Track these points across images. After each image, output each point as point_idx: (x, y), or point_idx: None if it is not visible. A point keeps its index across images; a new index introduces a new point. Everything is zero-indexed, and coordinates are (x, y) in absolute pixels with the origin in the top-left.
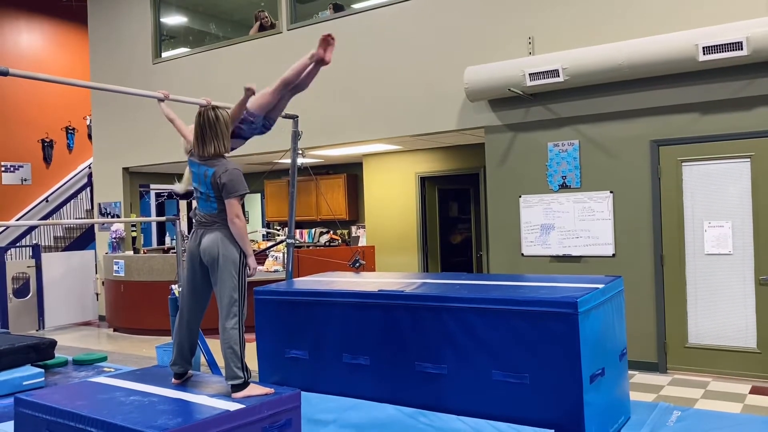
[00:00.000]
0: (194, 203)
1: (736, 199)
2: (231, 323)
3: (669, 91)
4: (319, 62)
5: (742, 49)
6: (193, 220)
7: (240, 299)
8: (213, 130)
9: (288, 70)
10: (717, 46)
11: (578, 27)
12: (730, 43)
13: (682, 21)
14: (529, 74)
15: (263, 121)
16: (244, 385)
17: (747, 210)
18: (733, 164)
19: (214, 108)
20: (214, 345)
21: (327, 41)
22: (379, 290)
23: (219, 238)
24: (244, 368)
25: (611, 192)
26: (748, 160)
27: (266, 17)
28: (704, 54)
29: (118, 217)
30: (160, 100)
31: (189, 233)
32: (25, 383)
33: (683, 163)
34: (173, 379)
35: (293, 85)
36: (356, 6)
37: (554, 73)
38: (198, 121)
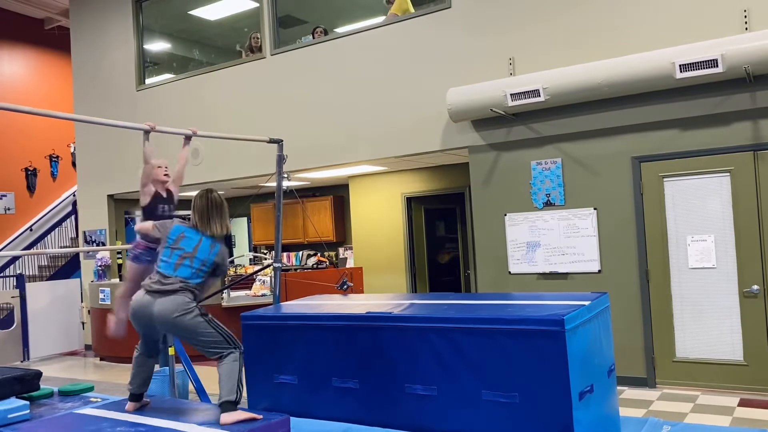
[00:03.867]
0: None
1: (718, 213)
2: (227, 360)
3: (648, 108)
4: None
5: (717, 66)
6: (148, 285)
7: (224, 337)
8: (219, 211)
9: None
10: (693, 63)
11: (558, 47)
12: (705, 61)
13: (658, 39)
14: (511, 94)
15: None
16: (234, 404)
17: (729, 223)
18: (713, 179)
19: (214, 190)
20: (202, 372)
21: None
22: (367, 312)
23: (174, 306)
24: (239, 388)
25: (595, 209)
26: (728, 174)
27: (257, 39)
28: (681, 71)
29: (104, 244)
30: (147, 131)
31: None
32: (9, 416)
33: (665, 179)
34: (129, 402)
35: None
36: (339, 30)
37: (535, 93)
38: (203, 202)
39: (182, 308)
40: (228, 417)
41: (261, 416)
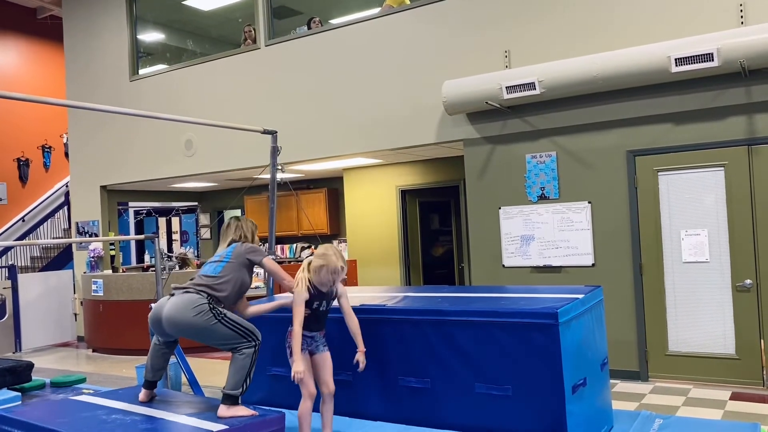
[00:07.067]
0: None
1: (712, 208)
2: (241, 354)
3: (643, 101)
4: None
5: (713, 60)
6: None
7: (239, 333)
8: (227, 230)
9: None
10: (689, 57)
11: (553, 40)
12: (701, 55)
13: (654, 33)
14: (506, 87)
15: None
16: (236, 399)
17: (722, 218)
18: (707, 173)
19: (235, 218)
20: (195, 364)
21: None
22: (361, 305)
23: (184, 304)
24: (245, 383)
25: (589, 202)
26: (722, 168)
27: (251, 31)
28: (676, 65)
29: (96, 235)
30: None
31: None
32: (1, 407)
33: (659, 173)
34: (143, 389)
35: None
36: (334, 21)
37: (530, 85)
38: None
39: (191, 306)
40: (226, 411)
41: (257, 412)
